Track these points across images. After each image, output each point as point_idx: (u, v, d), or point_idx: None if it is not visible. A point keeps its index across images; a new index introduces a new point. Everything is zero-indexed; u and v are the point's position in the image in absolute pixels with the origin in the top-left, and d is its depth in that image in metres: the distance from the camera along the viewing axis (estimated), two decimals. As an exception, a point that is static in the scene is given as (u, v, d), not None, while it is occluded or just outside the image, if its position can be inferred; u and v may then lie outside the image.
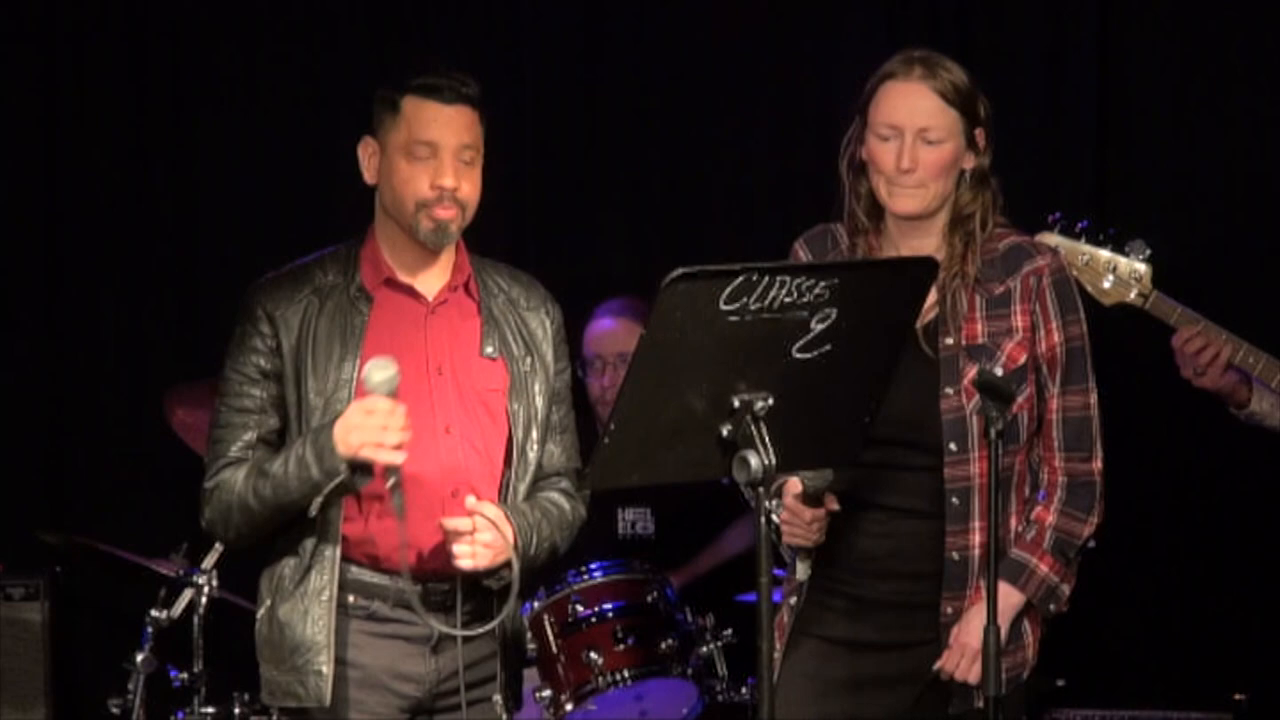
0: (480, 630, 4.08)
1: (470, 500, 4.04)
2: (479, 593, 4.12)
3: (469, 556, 4.01)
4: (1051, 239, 4.68)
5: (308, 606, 4.04)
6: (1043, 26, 6.14)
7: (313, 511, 4.00)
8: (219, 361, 4.14)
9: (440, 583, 4.09)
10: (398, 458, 3.91)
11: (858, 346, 3.59)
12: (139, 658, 5.25)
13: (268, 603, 4.10)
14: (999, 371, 4.13)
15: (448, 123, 4.06)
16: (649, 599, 5.41)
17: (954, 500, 4.14)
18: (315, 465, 3.95)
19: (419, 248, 4.12)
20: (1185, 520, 6.04)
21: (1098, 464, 4.23)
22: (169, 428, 5.50)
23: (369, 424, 3.91)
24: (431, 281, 4.16)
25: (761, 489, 3.48)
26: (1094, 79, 6.10)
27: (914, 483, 4.16)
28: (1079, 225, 4.78)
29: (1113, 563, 5.85)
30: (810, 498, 4.01)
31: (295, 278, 4.14)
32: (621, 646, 5.33)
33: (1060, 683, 5.41)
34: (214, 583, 5.34)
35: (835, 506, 4.09)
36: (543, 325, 4.23)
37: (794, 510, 4.07)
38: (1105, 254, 4.78)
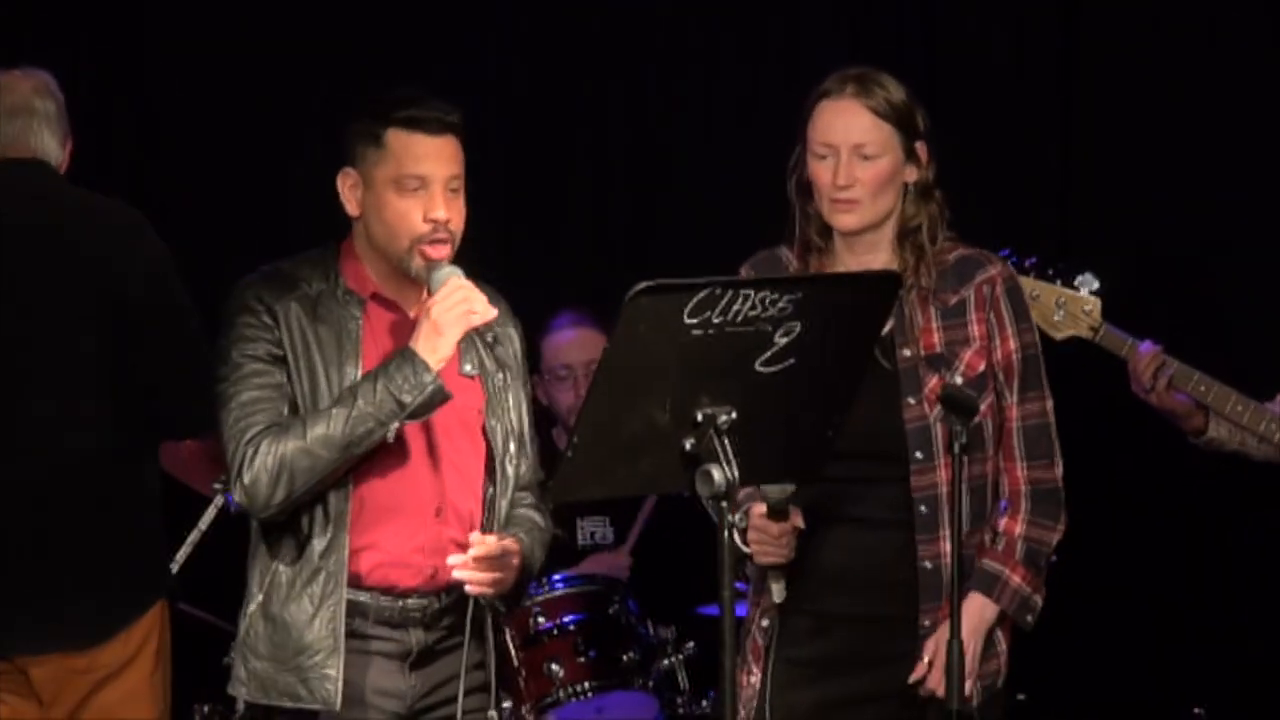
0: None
1: (474, 536, 4.02)
2: (458, 607, 4.10)
3: (476, 584, 4.01)
4: None
5: (315, 609, 4.00)
6: (1006, 45, 6.16)
7: (390, 437, 3.96)
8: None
9: (421, 599, 4.09)
10: (491, 313, 4.00)
11: (821, 360, 3.60)
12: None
13: (259, 599, 4.06)
14: (959, 380, 4.15)
15: (436, 154, 4.02)
16: (610, 611, 5.41)
17: (922, 509, 4.14)
18: (409, 381, 3.92)
19: (404, 274, 4.10)
20: (1143, 534, 6.06)
21: (1059, 470, 4.23)
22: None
23: (458, 306, 3.97)
24: (412, 299, 4.14)
25: (725, 503, 3.49)
26: (1057, 98, 6.13)
27: (880, 494, 4.16)
28: (1027, 261, 4.81)
29: (1071, 577, 5.87)
30: (775, 512, 4.01)
31: (282, 278, 4.09)
32: (583, 659, 5.33)
33: (1020, 697, 5.42)
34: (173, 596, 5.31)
35: (800, 523, 4.08)
36: (511, 340, 4.22)
37: (761, 528, 4.03)
38: (1054, 289, 4.80)
